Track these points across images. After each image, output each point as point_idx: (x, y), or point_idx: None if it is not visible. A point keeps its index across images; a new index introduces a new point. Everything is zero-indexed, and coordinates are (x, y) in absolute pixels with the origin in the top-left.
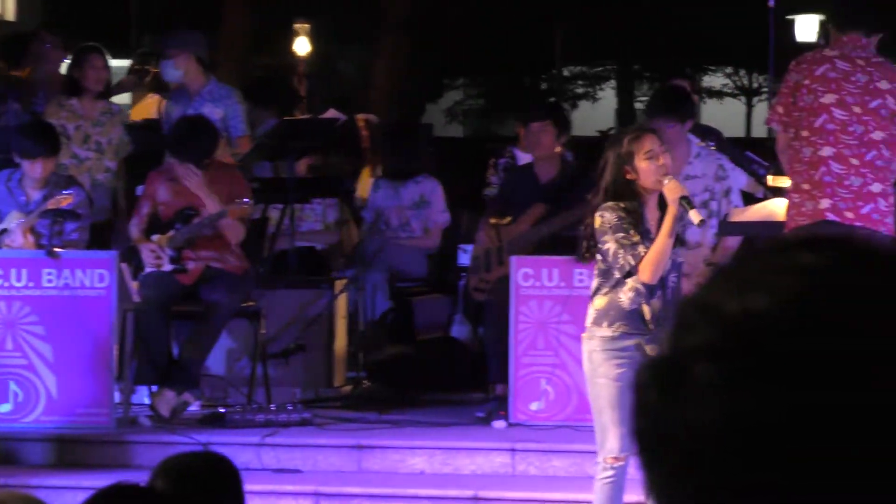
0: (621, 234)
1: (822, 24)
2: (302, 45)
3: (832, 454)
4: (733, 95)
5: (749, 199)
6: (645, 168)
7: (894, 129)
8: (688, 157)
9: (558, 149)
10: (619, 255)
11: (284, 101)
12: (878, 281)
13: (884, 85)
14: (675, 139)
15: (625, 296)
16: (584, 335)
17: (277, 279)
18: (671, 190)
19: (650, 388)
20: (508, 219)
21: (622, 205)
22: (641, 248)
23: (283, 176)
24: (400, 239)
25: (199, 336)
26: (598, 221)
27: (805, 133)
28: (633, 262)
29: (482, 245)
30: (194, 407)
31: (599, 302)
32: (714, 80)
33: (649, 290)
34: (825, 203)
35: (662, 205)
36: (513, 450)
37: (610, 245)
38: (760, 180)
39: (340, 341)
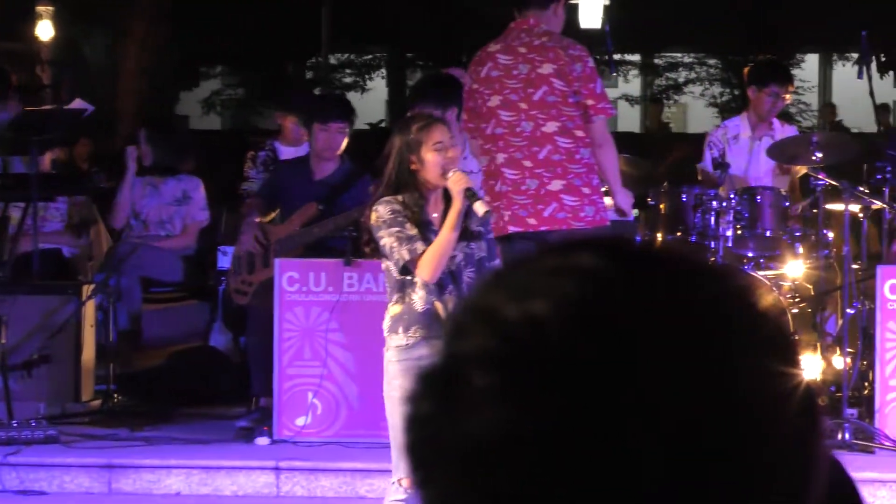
0: (396, 229)
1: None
2: (45, 30)
3: (615, 461)
4: None
5: None
6: (431, 160)
7: (571, 111)
8: (462, 151)
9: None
10: (395, 250)
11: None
12: (656, 283)
13: (546, 69)
14: None
15: (416, 295)
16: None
17: (19, 284)
18: (455, 182)
19: (423, 399)
20: (272, 215)
21: (399, 198)
22: (420, 244)
23: (24, 172)
24: (158, 237)
25: None
26: (373, 216)
27: (482, 142)
28: (407, 257)
29: (246, 246)
30: None
31: (394, 309)
32: None
33: (439, 287)
34: (506, 215)
35: (448, 199)
36: (277, 468)
37: (386, 240)
38: None
39: (88, 352)
